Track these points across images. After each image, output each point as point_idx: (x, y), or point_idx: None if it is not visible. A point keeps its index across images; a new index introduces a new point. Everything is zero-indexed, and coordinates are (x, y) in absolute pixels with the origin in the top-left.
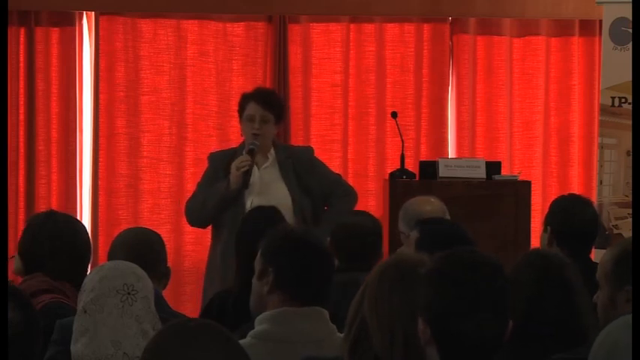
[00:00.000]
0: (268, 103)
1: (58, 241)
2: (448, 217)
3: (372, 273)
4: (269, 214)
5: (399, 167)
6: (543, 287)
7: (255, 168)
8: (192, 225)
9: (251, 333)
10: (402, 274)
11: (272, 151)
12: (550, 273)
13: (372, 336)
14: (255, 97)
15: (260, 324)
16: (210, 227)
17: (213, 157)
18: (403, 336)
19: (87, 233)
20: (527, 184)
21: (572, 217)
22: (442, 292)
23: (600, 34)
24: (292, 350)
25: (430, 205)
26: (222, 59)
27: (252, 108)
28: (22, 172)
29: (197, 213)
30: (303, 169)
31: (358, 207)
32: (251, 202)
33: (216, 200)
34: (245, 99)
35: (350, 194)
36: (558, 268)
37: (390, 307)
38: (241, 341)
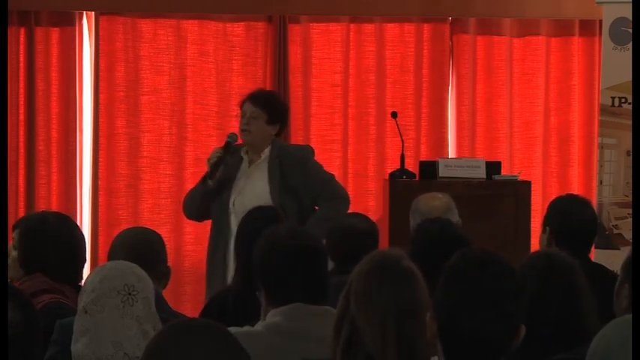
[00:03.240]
0: (259, 101)
1: (57, 243)
2: (456, 213)
3: (354, 273)
4: (269, 213)
5: (399, 167)
6: (547, 287)
7: (245, 164)
8: (187, 217)
9: (262, 323)
10: (387, 270)
11: (267, 150)
12: (555, 273)
13: (363, 335)
14: (249, 96)
15: (273, 317)
16: (209, 227)
17: None
18: (395, 332)
19: (81, 231)
20: (527, 184)
21: (571, 217)
22: (448, 289)
23: (600, 34)
24: (297, 346)
25: (438, 201)
26: (222, 59)
27: (245, 106)
28: (22, 172)
29: (186, 206)
30: (289, 168)
31: (358, 207)
32: (233, 199)
33: (197, 193)
34: (242, 100)
35: (337, 197)
36: (563, 269)
37: (380, 303)
38: (251, 328)
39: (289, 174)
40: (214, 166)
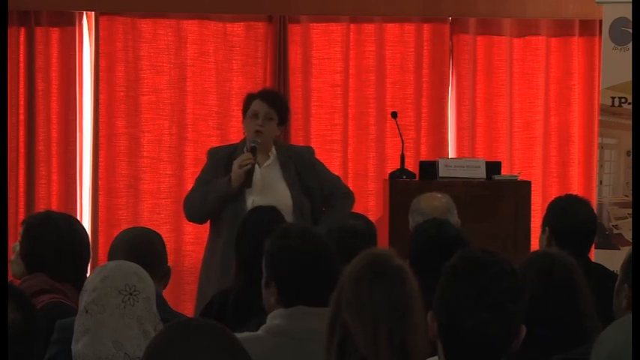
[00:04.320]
0: (273, 102)
1: (60, 242)
2: (455, 214)
3: (345, 275)
4: (269, 214)
5: (399, 167)
6: (547, 287)
7: (256, 166)
8: (189, 220)
9: (263, 327)
10: (377, 272)
11: (273, 150)
12: (555, 273)
13: (355, 338)
14: (262, 95)
15: (273, 320)
16: (208, 227)
17: (213, 153)
18: (388, 334)
19: (85, 231)
20: (527, 184)
21: (570, 217)
22: (448, 289)
23: (600, 34)
24: (299, 347)
25: (438, 201)
26: (222, 59)
27: (257, 105)
28: (22, 172)
29: (196, 208)
30: (304, 170)
31: (358, 207)
32: (252, 201)
33: (217, 197)
34: (251, 97)
35: (348, 197)
36: (563, 268)
37: (371, 307)
38: (252, 333)
39: (304, 175)
40: (250, 172)
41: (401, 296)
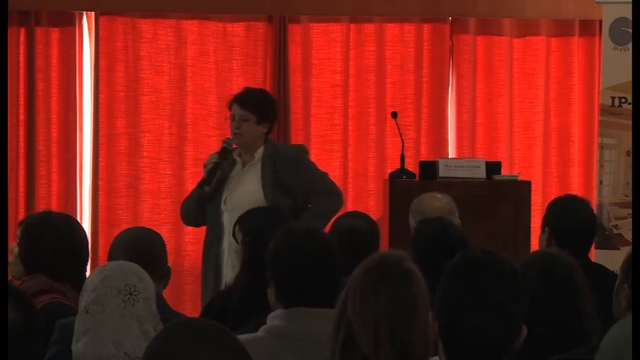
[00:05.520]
0: (246, 103)
1: (59, 242)
2: (456, 215)
3: (353, 275)
4: (271, 213)
5: (399, 167)
6: (547, 287)
7: (239, 166)
8: (185, 224)
9: (263, 327)
10: (386, 273)
11: (260, 150)
12: (555, 273)
13: (357, 336)
14: (236, 99)
15: (272, 320)
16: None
17: None
18: (389, 333)
19: (84, 231)
20: (527, 184)
21: (570, 217)
22: (449, 289)
23: (600, 34)
24: (298, 347)
25: (439, 202)
26: (222, 59)
27: (234, 109)
28: (22, 172)
29: (184, 214)
30: (283, 168)
31: (358, 207)
32: (225, 197)
33: (193, 198)
34: (230, 101)
35: (331, 193)
36: (563, 268)
37: (375, 306)
38: (252, 335)
39: (282, 173)
40: (211, 171)
41: (406, 298)
